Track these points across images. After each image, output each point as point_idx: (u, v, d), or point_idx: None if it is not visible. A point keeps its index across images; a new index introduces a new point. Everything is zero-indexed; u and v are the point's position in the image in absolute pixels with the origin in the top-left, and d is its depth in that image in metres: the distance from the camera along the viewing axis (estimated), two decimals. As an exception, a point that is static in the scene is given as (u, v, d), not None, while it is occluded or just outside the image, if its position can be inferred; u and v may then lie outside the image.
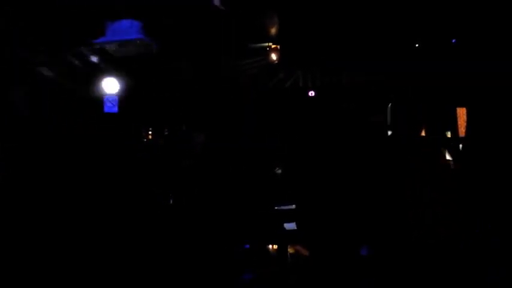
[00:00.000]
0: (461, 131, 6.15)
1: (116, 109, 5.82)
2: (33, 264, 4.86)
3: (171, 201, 6.29)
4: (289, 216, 6.42)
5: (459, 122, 6.23)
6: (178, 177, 5.95)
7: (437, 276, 4.17)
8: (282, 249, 6.49)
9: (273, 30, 6.00)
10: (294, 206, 6.42)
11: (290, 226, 6.38)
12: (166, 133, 6.78)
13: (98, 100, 5.83)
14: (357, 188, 5.08)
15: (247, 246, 6.06)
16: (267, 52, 6.60)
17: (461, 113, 6.32)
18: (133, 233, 5.79)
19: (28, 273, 4.75)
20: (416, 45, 6.74)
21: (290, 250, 6.46)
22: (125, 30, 5.20)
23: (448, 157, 5.17)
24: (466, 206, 4.24)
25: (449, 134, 6.30)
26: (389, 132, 7.18)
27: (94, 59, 5.49)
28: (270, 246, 6.60)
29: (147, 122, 6.71)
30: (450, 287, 4.13)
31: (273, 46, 6.52)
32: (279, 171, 6.91)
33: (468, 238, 4.20)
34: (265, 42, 6.51)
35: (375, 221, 4.80)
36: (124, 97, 5.96)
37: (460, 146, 5.99)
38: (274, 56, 6.55)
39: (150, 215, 5.99)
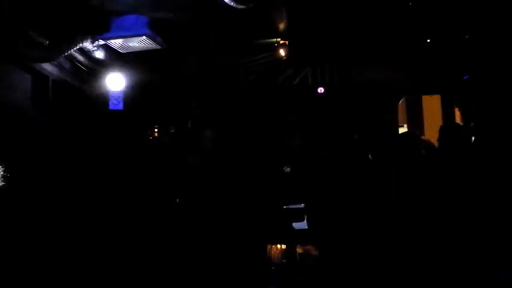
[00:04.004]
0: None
1: (121, 106, 5.73)
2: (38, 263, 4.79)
3: (177, 200, 6.21)
4: (298, 216, 6.34)
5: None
6: (185, 175, 5.87)
7: (441, 276, 4.12)
8: (290, 248, 6.43)
9: (281, 26, 5.88)
10: (303, 205, 6.34)
11: (299, 226, 6.30)
12: (172, 131, 6.69)
13: (103, 97, 5.73)
14: (365, 187, 4.98)
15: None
16: (275, 48, 6.49)
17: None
18: (138, 232, 5.72)
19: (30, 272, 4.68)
20: (428, 40, 6.64)
21: (299, 250, 6.40)
22: (130, 25, 5.09)
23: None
24: (470, 205, 4.18)
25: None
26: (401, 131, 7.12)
27: (99, 54, 5.38)
28: (278, 245, 6.54)
29: (153, 119, 6.63)
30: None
31: (281, 42, 6.41)
32: (288, 169, 6.83)
33: (473, 238, 4.14)
34: (273, 37, 6.40)
35: (385, 221, 4.71)
36: (129, 94, 5.86)
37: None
38: (282, 52, 6.44)
39: (155, 214, 5.92)
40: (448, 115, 6.52)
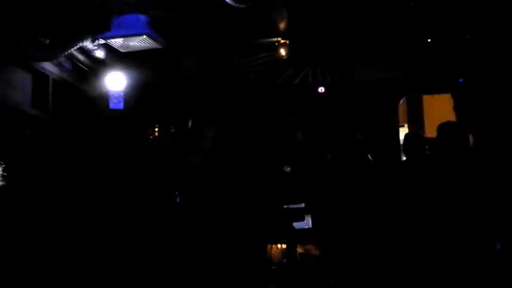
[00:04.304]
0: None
1: (121, 105, 5.72)
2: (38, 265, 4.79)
3: (178, 200, 6.21)
4: (298, 215, 6.33)
5: None
6: (185, 175, 5.87)
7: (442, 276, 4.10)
8: (291, 248, 6.42)
9: (282, 25, 5.87)
10: (303, 205, 6.34)
11: (300, 225, 6.29)
12: (172, 130, 6.68)
13: (104, 96, 5.73)
14: (367, 186, 4.96)
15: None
16: (275, 47, 6.48)
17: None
18: (138, 231, 5.72)
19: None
20: (428, 40, 6.64)
21: (299, 250, 6.39)
22: (131, 24, 5.09)
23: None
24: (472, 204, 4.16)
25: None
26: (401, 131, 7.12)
27: (99, 54, 5.38)
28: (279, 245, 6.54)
29: (153, 119, 6.62)
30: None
31: (282, 41, 6.40)
32: (288, 169, 6.83)
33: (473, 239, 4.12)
34: (274, 37, 6.40)
35: (387, 220, 4.69)
36: (130, 93, 5.86)
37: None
38: (283, 52, 6.43)
39: (155, 214, 5.92)
40: (462, 115, 6.45)
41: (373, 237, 4.70)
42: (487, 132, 5.49)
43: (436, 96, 7.47)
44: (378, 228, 4.67)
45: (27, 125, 5.03)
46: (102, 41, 5.18)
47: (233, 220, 5.99)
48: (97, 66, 5.62)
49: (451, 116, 6.52)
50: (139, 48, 5.36)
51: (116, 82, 5.60)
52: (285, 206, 6.55)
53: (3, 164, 4.58)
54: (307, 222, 6.17)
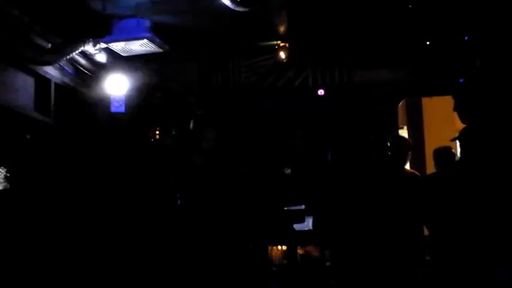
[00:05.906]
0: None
1: (123, 109, 5.76)
2: (41, 266, 4.83)
3: (180, 202, 6.24)
4: (298, 217, 6.37)
5: None
6: (187, 176, 5.89)
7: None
8: (291, 249, 6.45)
9: (282, 28, 5.90)
10: (303, 207, 6.37)
11: (300, 227, 6.33)
12: (173, 133, 6.72)
13: (105, 100, 5.77)
14: (367, 187, 4.97)
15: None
16: (275, 50, 6.52)
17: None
18: (141, 233, 5.74)
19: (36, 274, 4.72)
20: (428, 42, 6.65)
21: (299, 251, 6.43)
22: (132, 28, 5.14)
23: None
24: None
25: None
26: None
27: (101, 58, 5.42)
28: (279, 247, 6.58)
29: (155, 121, 6.66)
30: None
31: (282, 44, 6.44)
32: (288, 171, 6.85)
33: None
34: (274, 40, 6.43)
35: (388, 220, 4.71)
36: (131, 96, 5.90)
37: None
38: (282, 55, 6.46)
39: (158, 215, 5.95)
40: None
41: (376, 238, 4.71)
42: (489, 133, 5.47)
43: (435, 97, 7.46)
44: (379, 230, 4.68)
45: (29, 129, 5.07)
46: (103, 45, 5.23)
47: (234, 221, 6.02)
48: (98, 70, 5.66)
49: (450, 118, 6.54)
50: (140, 52, 5.41)
51: (117, 86, 5.64)
52: (285, 208, 6.59)
53: (5, 166, 4.63)
54: (308, 224, 6.20)
